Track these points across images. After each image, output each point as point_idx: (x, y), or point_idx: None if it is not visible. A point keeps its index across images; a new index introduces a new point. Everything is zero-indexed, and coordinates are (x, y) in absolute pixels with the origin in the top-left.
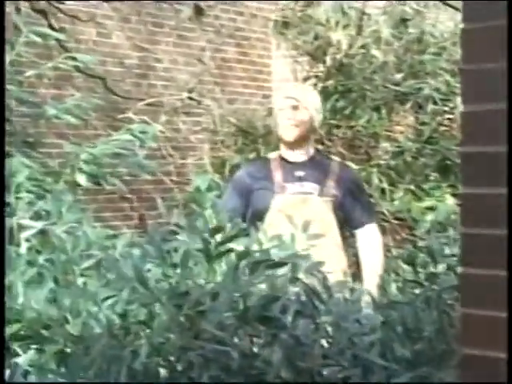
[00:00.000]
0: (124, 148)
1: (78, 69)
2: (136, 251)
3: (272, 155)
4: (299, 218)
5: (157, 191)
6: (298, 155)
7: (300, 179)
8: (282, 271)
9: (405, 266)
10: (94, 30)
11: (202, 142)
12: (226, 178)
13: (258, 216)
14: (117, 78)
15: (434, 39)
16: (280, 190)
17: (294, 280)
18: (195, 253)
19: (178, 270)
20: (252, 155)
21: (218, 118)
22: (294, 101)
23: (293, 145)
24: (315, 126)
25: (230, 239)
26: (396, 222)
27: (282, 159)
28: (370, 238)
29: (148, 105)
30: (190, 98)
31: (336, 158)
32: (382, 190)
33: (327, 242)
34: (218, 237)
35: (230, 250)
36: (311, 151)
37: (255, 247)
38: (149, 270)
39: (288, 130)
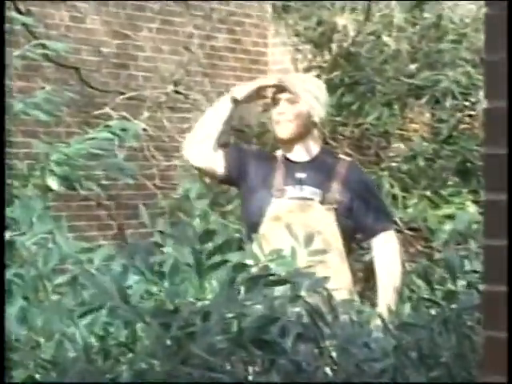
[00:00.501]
0: (101, 148)
1: (48, 58)
2: (116, 265)
3: (278, 153)
4: (298, 228)
5: (138, 197)
6: (300, 154)
7: (300, 182)
8: (281, 289)
9: (419, 283)
10: (66, 14)
11: None
12: (216, 183)
13: (253, 223)
14: (92, 68)
15: (453, 25)
16: (279, 193)
17: (295, 299)
18: (184, 267)
19: (165, 286)
20: None
21: None
22: (287, 92)
23: (289, 143)
24: (315, 121)
25: (224, 247)
26: (410, 232)
27: (285, 158)
28: (386, 247)
29: (128, 99)
30: (176, 92)
31: (344, 157)
32: (394, 197)
33: (330, 256)
34: (209, 246)
35: (225, 261)
36: (315, 150)
37: (250, 262)
38: (130, 287)
39: (281, 127)
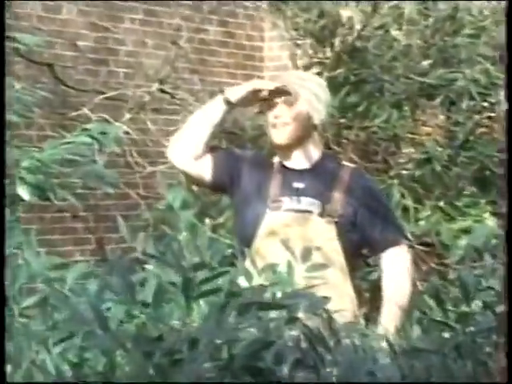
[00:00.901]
0: (78, 153)
1: (18, 52)
2: (92, 285)
3: (275, 159)
4: (295, 243)
5: (120, 208)
6: (298, 161)
7: (298, 192)
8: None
9: (431, 303)
10: (38, 3)
11: None
12: (206, 192)
13: (246, 237)
14: (68, 64)
15: (471, 17)
16: (274, 205)
17: (292, 321)
18: (169, 286)
19: (147, 309)
20: None
21: None
22: (284, 94)
23: (286, 149)
24: (315, 124)
25: (218, 276)
26: (422, 247)
27: (282, 166)
28: (396, 263)
29: (108, 99)
30: (162, 91)
31: (348, 164)
32: (405, 208)
33: (331, 274)
34: (201, 273)
35: (218, 290)
36: (315, 155)
37: (242, 280)
38: (109, 309)
39: (278, 131)
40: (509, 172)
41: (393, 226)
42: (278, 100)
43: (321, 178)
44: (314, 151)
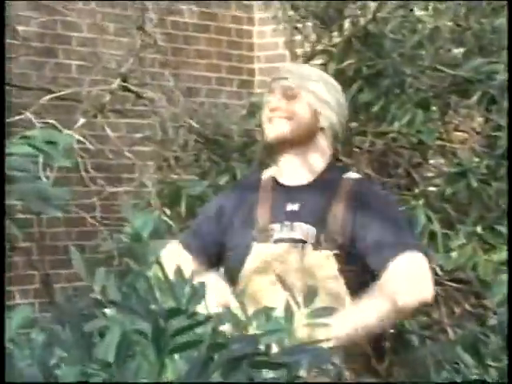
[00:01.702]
0: (18, 168)
1: None
2: (38, 334)
3: (266, 174)
4: (290, 280)
5: (71, 237)
6: (295, 174)
7: (291, 216)
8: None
9: (466, 357)
10: None
11: (144, 158)
12: (182, 217)
13: (233, 275)
14: (6, 55)
15: None
16: (262, 235)
17: (294, 379)
18: (135, 336)
19: (109, 367)
20: (224, 179)
21: (170, 121)
22: (286, 82)
23: (281, 151)
24: (322, 127)
25: (197, 325)
26: (453, 284)
27: (276, 182)
28: (410, 268)
29: (57, 99)
30: (125, 89)
31: (351, 175)
32: (432, 235)
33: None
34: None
35: (198, 342)
36: (318, 167)
37: (228, 327)
38: (58, 366)
39: (273, 125)
40: None
41: (404, 232)
42: (277, 91)
43: (319, 196)
44: (317, 161)
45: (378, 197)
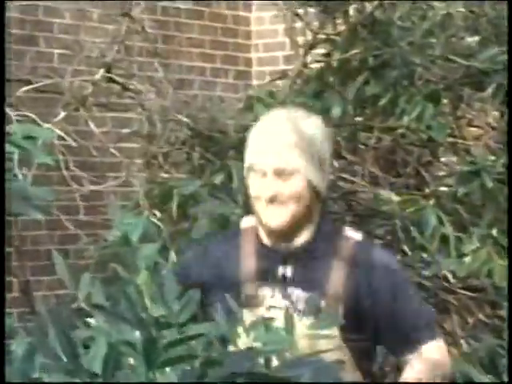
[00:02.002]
0: None
1: None
2: (19, 346)
3: (245, 223)
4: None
5: (53, 241)
6: (287, 238)
7: (284, 281)
8: None
9: (481, 372)
10: None
11: (131, 155)
12: (173, 219)
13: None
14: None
15: None
16: (250, 302)
17: None
18: (123, 347)
19: (95, 381)
20: (218, 178)
21: (159, 115)
22: (277, 160)
23: (282, 233)
24: (319, 191)
25: (191, 338)
26: (467, 293)
27: (260, 241)
28: (430, 358)
29: (36, 91)
30: (110, 80)
31: (351, 234)
32: (444, 238)
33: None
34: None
35: (191, 356)
36: (313, 225)
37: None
38: (39, 379)
39: (273, 213)
40: None
41: (424, 317)
42: (269, 173)
43: (315, 259)
44: (310, 221)
45: (385, 266)
